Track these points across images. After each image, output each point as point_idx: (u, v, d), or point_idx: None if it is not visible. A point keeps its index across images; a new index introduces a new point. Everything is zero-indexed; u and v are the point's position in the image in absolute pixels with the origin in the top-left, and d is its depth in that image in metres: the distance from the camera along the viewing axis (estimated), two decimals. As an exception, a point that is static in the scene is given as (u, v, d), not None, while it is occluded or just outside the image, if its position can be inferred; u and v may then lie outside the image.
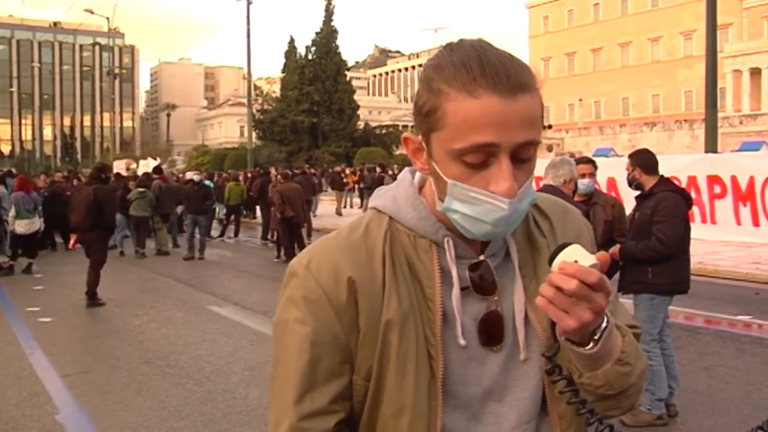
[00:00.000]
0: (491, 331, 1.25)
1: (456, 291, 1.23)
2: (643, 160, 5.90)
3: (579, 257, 1.08)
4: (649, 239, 5.54)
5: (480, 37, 1.20)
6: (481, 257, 1.26)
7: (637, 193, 5.94)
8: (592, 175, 6.50)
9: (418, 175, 1.33)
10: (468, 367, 1.24)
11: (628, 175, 5.97)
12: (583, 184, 6.41)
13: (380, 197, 1.34)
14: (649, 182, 5.79)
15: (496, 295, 1.26)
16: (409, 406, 1.19)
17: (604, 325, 1.13)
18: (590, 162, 6.66)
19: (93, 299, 11.14)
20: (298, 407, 1.20)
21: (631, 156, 6.06)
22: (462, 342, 1.22)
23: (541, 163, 6.32)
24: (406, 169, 1.38)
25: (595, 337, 1.13)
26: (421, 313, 1.22)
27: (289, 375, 1.22)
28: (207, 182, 22.63)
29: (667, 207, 5.58)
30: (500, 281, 1.27)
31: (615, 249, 5.80)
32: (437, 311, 1.22)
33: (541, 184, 5.84)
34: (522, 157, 1.14)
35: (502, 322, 1.26)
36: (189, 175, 26.77)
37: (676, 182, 6.58)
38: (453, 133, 1.12)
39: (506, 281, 1.28)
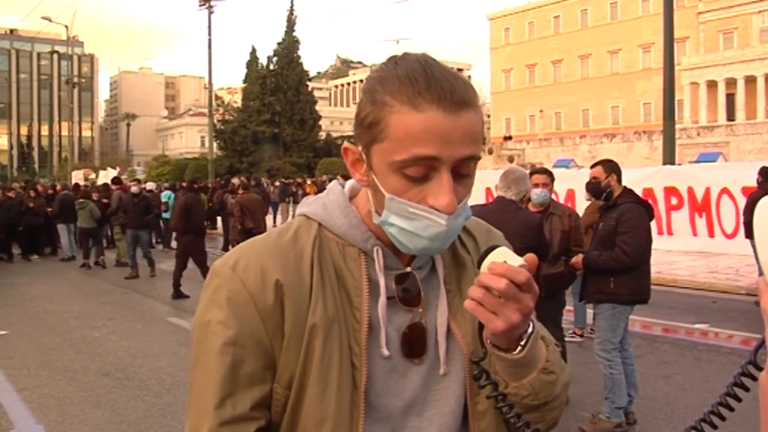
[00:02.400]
0: (413, 343, 1.24)
1: (382, 301, 1.22)
2: (617, 169, 5.97)
3: (508, 258, 1.09)
4: (613, 250, 5.60)
5: (424, 52, 1.20)
6: (408, 269, 1.26)
7: (604, 201, 5.99)
8: (546, 185, 6.55)
9: (348, 185, 1.33)
10: (390, 378, 1.22)
11: (600, 182, 5.94)
12: (536, 194, 6.45)
13: (309, 204, 1.33)
14: (617, 191, 5.87)
15: (420, 307, 1.26)
16: (331, 415, 1.16)
17: (530, 330, 1.14)
18: (545, 172, 6.71)
19: (177, 292, 12.50)
20: (218, 412, 1.15)
21: (603, 164, 6.09)
22: (385, 352, 1.21)
23: (497, 174, 6.39)
24: (336, 179, 1.38)
25: (522, 343, 1.13)
26: (347, 322, 1.21)
27: (209, 379, 1.17)
28: (167, 193, 22.53)
29: (631, 218, 5.64)
30: (425, 294, 1.27)
31: (578, 259, 5.86)
32: (363, 320, 1.20)
33: (496, 195, 5.89)
34: (462, 172, 1.14)
35: (425, 334, 1.25)
36: (149, 185, 26.56)
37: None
38: (395, 145, 1.11)
39: (431, 295, 1.28)
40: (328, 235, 1.27)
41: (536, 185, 6.47)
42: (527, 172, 6.14)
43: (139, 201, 16.26)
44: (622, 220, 5.63)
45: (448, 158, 1.11)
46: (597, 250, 5.77)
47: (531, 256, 1.11)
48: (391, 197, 1.14)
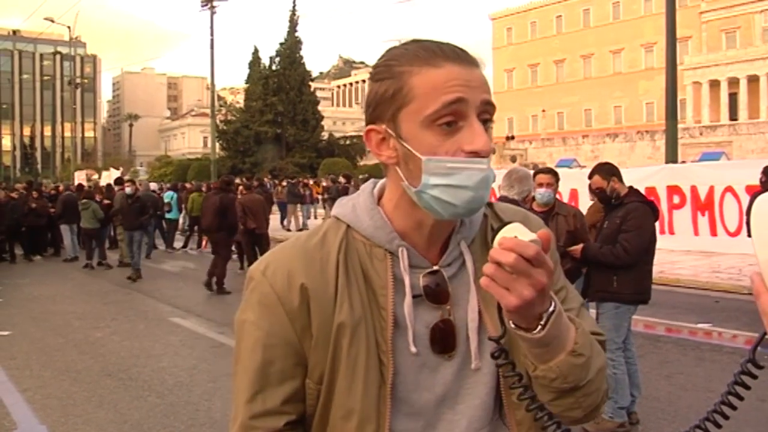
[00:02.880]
0: (443, 340, 1.27)
1: (408, 299, 1.25)
2: (613, 169, 5.96)
3: (518, 233, 1.09)
4: (614, 246, 5.60)
5: None
6: (435, 267, 1.29)
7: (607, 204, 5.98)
8: (551, 185, 6.52)
9: (378, 186, 1.36)
10: (421, 374, 1.26)
11: (605, 190, 5.92)
12: (540, 194, 6.44)
13: (341, 206, 1.36)
14: (624, 190, 5.86)
15: (448, 304, 1.28)
16: (358, 409, 1.23)
17: (551, 309, 1.14)
18: (550, 172, 6.67)
19: (221, 289, 13.02)
20: (250, 406, 1.25)
21: (598, 171, 6.05)
22: (413, 349, 1.25)
23: (499, 174, 6.38)
24: (371, 180, 1.40)
25: (542, 322, 1.13)
26: (374, 320, 1.25)
27: (244, 375, 1.27)
28: (170, 193, 22.55)
29: (636, 217, 5.64)
30: (455, 291, 1.29)
31: (577, 248, 5.86)
32: (389, 318, 1.24)
33: (499, 195, 5.89)
34: (484, 119, 1.20)
35: (455, 330, 1.28)
36: (152, 186, 26.60)
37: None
38: (423, 101, 1.17)
39: (461, 291, 1.30)
40: (356, 236, 1.31)
41: (540, 185, 6.47)
42: (531, 172, 6.13)
43: (133, 202, 15.95)
44: (628, 218, 5.63)
45: (473, 101, 1.18)
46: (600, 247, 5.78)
47: (544, 232, 1.11)
48: (429, 158, 1.17)
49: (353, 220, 1.32)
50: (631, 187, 5.92)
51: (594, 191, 6.08)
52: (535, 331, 1.14)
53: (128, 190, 16.43)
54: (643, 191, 6.36)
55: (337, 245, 1.28)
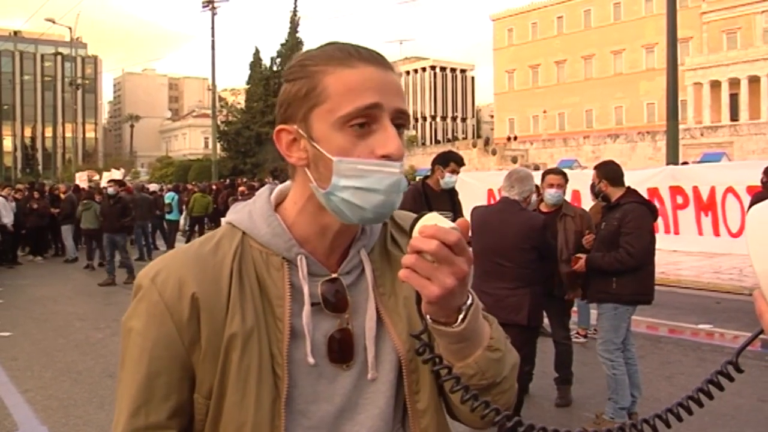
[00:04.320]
0: (340, 349, 1.24)
1: (307, 308, 1.21)
2: (609, 172, 5.92)
3: (438, 222, 1.06)
4: (617, 251, 5.57)
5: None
6: (334, 275, 1.26)
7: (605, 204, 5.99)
8: (561, 186, 6.54)
9: (276, 191, 1.33)
10: (318, 385, 1.22)
11: (595, 186, 6.00)
12: (550, 194, 6.46)
13: (237, 212, 1.32)
14: (615, 194, 5.82)
15: (347, 313, 1.25)
16: (250, 423, 1.17)
17: (469, 302, 1.13)
18: (560, 173, 6.68)
19: None
20: (132, 420, 1.18)
21: (597, 168, 6.09)
22: (311, 360, 1.21)
23: (501, 175, 6.38)
24: (267, 186, 1.37)
25: (461, 315, 1.12)
26: (269, 332, 1.20)
27: (128, 386, 1.21)
28: (171, 194, 22.56)
29: (634, 219, 5.61)
30: (354, 299, 1.26)
31: (581, 262, 5.84)
32: (285, 330, 1.20)
33: (500, 196, 5.87)
34: (398, 124, 1.17)
35: (352, 339, 1.25)
36: (153, 186, 26.60)
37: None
38: (336, 101, 1.15)
39: (360, 299, 1.27)
40: (252, 244, 1.25)
41: (551, 186, 6.48)
42: (532, 172, 6.13)
43: (114, 203, 15.30)
44: (626, 220, 5.60)
45: (388, 106, 1.15)
46: (599, 251, 5.75)
47: (462, 220, 1.11)
48: (340, 159, 1.14)
49: (249, 227, 1.26)
50: (628, 188, 5.89)
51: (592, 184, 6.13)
52: (455, 325, 1.12)
53: (110, 190, 15.95)
54: (645, 192, 6.36)
55: (231, 253, 1.23)
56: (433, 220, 1.07)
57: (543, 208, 6.57)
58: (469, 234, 1.07)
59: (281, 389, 1.18)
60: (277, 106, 1.24)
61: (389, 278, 1.29)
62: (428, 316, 1.13)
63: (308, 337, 1.21)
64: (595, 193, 6.08)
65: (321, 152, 1.16)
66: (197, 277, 1.20)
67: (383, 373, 1.26)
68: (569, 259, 6.13)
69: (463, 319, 1.12)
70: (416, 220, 1.08)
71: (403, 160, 1.16)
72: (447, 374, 1.14)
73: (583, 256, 5.88)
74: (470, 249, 1.09)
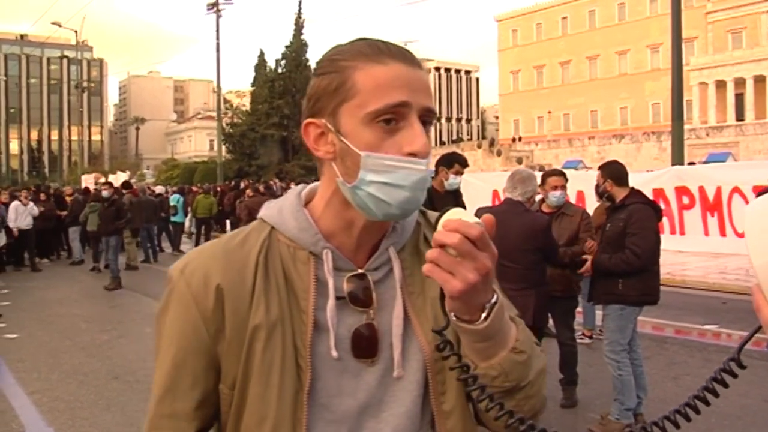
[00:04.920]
0: (364, 345, 1.25)
1: (331, 302, 1.22)
2: (614, 172, 5.92)
3: (462, 216, 1.07)
4: (622, 252, 5.56)
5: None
6: (360, 270, 1.27)
7: (608, 202, 5.99)
8: (563, 187, 6.57)
9: (307, 189, 1.35)
10: (342, 378, 1.23)
11: (599, 186, 6.00)
12: (555, 196, 6.48)
13: (268, 208, 1.34)
14: (619, 194, 5.81)
15: (372, 309, 1.26)
16: (272, 415, 1.19)
17: (493, 300, 1.13)
18: (561, 174, 6.71)
19: None
20: (159, 405, 1.25)
21: (601, 168, 6.08)
22: (334, 353, 1.22)
23: (504, 176, 6.38)
24: (301, 184, 1.39)
25: (484, 313, 1.12)
26: (293, 324, 1.22)
27: (158, 372, 1.26)
28: (176, 196, 22.60)
29: (640, 219, 5.60)
30: (381, 296, 1.27)
31: (587, 264, 5.83)
32: (309, 322, 1.22)
33: (504, 197, 5.88)
34: (425, 121, 1.19)
35: (377, 335, 1.25)
36: (159, 189, 26.65)
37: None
38: (366, 97, 1.16)
39: (387, 297, 1.27)
40: (280, 238, 1.28)
41: (555, 188, 6.49)
42: (534, 173, 6.13)
43: (109, 206, 15.33)
44: (631, 221, 5.59)
45: (416, 104, 1.17)
46: (605, 252, 5.73)
47: (487, 216, 1.10)
48: (367, 154, 1.16)
49: (278, 221, 1.29)
50: (632, 189, 5.88)
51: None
52: (478, 322, 1.12)
53: (105, 193, 15.99)
54: (651, 193, 6.34)
55: (258, 246, 1.26)
56: (458, 214, 1.08)
57: (545, 208, 6.59)
58: (494, 230, 1.07)
59: (304, 381, 1.20)
60: (305, 99, 1.25)
61: (419, 278, 1.28)
62: (452, 313, 1.13)
63: (332, 330, 1.22)
64: (600, 193, 6.07)
65: (348, 147, 1.17)
66: (223, 269, 1.23)
67: (410, 372, 1.26)
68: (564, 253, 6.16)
69: (486, 317, 1.12)
70: (441, 214, 1.09)
71: (429, 158, 1.18)
72: (464, 373, 1.14)
73: (588, 257, 5.86)
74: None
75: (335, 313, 1.22)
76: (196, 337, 1.22)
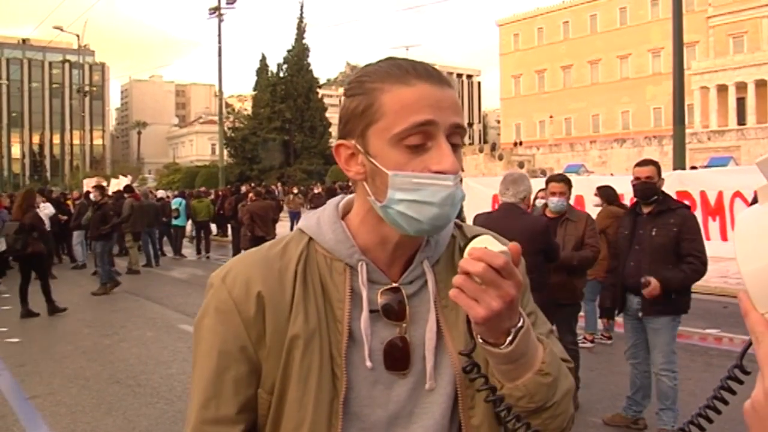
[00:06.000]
0: (397, 357, 1.27)
1: (365, 314, 1.25)
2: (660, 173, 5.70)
3: (488, 244, 1.09)
4: (686, 265, 5.38)
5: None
6: (395, 284, 1.29)
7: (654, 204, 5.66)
8: (563, 193, 6.50)
9: (345, 200, 1.37)
10: (374, 389, 1.26)
11: (654, 182, 5.59)
12: (553, 202, 6.46)
13: (307, 219, 1.38)
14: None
15: (405, 322, 1.28)
16: (309, 420, 1.22)
17: (519, 324, 1.14)
18: (562, 180, 6.62)
19: None
20: (201, 412, 1.26)
21: (656, 164, 5.72)
22: (369, 364, 1.24)
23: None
24: (340, 195, 1.41)
25: (509, 337, 1.13)
26: (330, 333, 1.25)
27: (199, 379, 1.28)
28: (178, 200, 22.61)
29: (695, 225, 5.50)
30: (414, 309, 1.29)
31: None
32: (344, 332, 1.24)
33: (501, 201, 5.86)
34: (453, 142, 1.20)
35: (409, 348, 1.27)
36: (160, 193, 26.65)
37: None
38: (392, 119, 1.17)
39: (421, 310, 1.29)
40: (317, 249, 1.31)
41: (553, 194, 6.47)
42: (526, 174, 6.09)
43: (95, 210, 15.10)
44: (687, 226, 5.42)
45: (442, 123, 1.18)
46: (655, 259, 5.46)
47: (514, 244, 1.11)
48: (395, 173, 1.17)
49: (316, 232, 1.32)
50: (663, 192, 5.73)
51: (639, 182, 5.65)
52: (503, 346, 1.13)
53: (91, 196, 15.87)
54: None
55: (297, 256, 1.29)
56: (483, 242, 1.10)
57: (549, 213, 6.58)
58: (521, 258, 1.09)
59: (339, 389, 1.23)
60: (338, 120, 1.29)
61: None
62: (478, 336, 1.15)
63: (366, 341, 1.24)
64: (652, 191, 5.59)
65: (377, 167, 1.20)
66: (263, 277, 1.26)
67: (441, 385, 1.28)
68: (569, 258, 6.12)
69: (511, 341, 1.14)
70: (469, 240, 1.12)
71: (459, 173, 1.19)
72: (491, 394, 1.16)
73: (652, 279, 5.39)
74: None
75: (369, 325, 1.25)
76: (238, 343, 1.25)
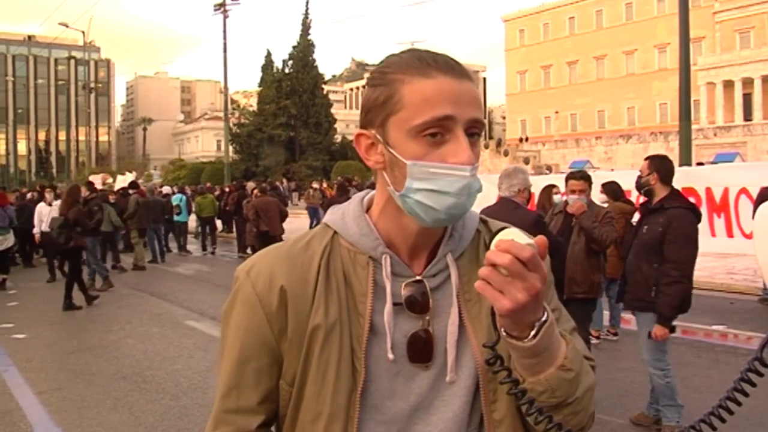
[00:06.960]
0: (420, 349, 1.28)
1: (389, 306, 1.26)
2: (662, 168, 5.58)
3: (515, 237, 1.10)
4: (665, 274, 5.30)
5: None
6: (418, 277, 1.30)
7: (645, 198, 5.73)
8: (583, 191, 6.41)
9: (369, 195, 1.39)
10: (395, 381, 1.27)
11: (641, 178, 5.65)
12: (572, 200, 6.39)
13: (332, 213, 1.40)
14: (660, 192, 5.53)
15: (428, 315, 1.28)
16: (326, 412, 1.24)
17: (543, 318, 1.15)
18: (581, 178, 6.51)
19: None
20: (224, 400, 1.31)
21: (651, 159, 5.71)
22: (391, 356, 1.26)
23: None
24: (366, 189, 1.43)
25: (533, 331, 1.14)
26: (351, 326, 1.27)
27: (223, 370, 1.33)
28: (179, 195, 22.64)
29: (681, 226, 5.32)
30: (437, 302, 1.29)
31: (578, 207, 5.91)
32: (365, 325, 1.26)
33: (498, 196, 5.84)
34: (472, 135, 1.21)
35: (432, 341, 1.28)
36: (165, 189, 26.68)
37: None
38: (412, 111, 1.19)
39: (444, 303, 1.30)
40: (342, 242, 1.33)
41: (573, 191, 6.42)
42: (521, 167, 6.07)
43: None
44: (672, 227, 5.31)
45: (461, 117, 1.19)
46: (639, 255, 5.49)
47: (541, 238, 1.12)
48: (413, 162, 1.19)
49: (341, 227, 1.34)
50: (673, 189, 5.57)
51: (639, 176, 5.73)
52: (526, 339, 1.14)
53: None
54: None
55: (320, 250, 1.31)
56: (510, 235, 1.11)
57: (569, 210, 6.50)
58: (546, 251, 1.09)
59: (358, 381, 1.25)
60: (359, 109, 1.30)
61: None
62: (502, 329, 1.16)
63: (389, 334, 1.26)
64: (640, 185, 5.69)
65: (396, 156, 1.22)
66: (287, 271, 1.30)
67: (461, 378, 1.29)
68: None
69: (535, 335, 1.14)
70: (496, 233, 1.12)
71: (477, 165, 1.21)
72: (513, 387, 1.17)
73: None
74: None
75: (392, 317, 1.26)
76: (261, 336, 1.29)
